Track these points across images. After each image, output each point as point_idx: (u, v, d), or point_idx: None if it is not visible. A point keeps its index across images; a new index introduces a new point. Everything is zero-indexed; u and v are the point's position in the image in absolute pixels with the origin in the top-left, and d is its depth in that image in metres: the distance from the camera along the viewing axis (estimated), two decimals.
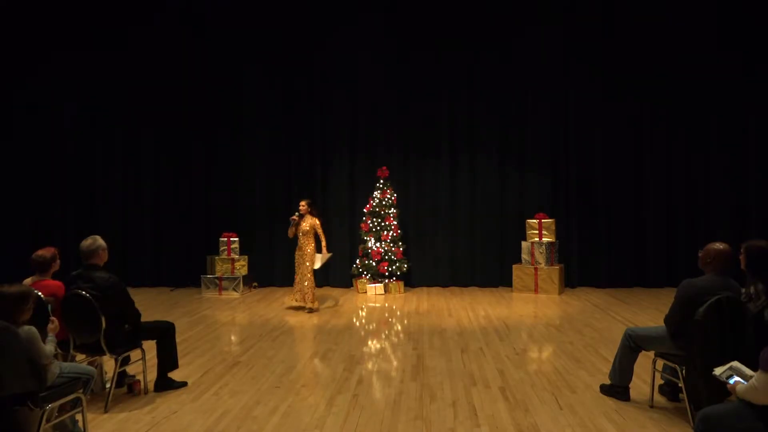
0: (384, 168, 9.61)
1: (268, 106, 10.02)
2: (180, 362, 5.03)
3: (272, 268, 9.97)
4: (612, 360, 4.60)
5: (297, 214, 7.84)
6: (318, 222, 7.82)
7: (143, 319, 4.74)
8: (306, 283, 7.80)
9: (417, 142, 9.92)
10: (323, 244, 7.89)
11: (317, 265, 7.88)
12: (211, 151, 10.09)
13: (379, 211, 9.39)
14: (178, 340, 5.02)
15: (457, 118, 9.88)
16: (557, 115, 9.76)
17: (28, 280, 4.38)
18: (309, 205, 7.83)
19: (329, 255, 8.05)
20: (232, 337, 6.59)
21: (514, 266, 9.32)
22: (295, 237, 7.93)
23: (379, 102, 9.88)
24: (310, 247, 7.79)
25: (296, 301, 7.98)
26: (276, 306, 8.35)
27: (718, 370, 3.07)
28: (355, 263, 9.47)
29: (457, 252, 9.86)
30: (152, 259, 10.11)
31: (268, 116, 10.01)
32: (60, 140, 10.13)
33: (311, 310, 7.82)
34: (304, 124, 10.00)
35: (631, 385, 4.49)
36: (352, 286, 9.68)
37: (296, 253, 7.95)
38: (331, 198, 10.01)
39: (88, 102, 10.09)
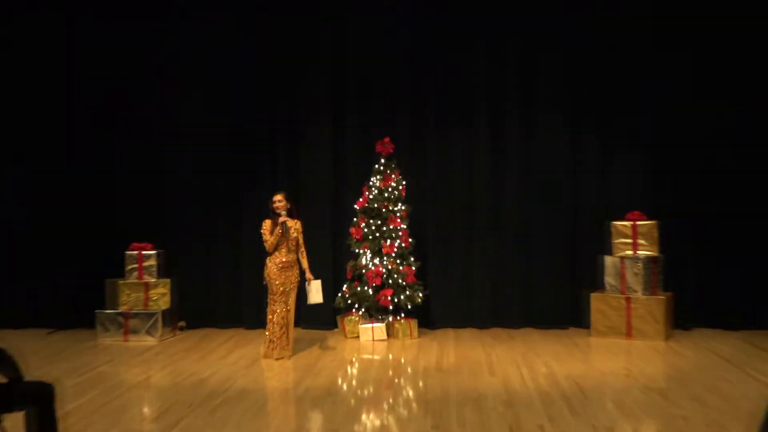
0: (387, 140, 9.47)
1: (195, 40, 9.87)
2: None
3: (209, 299, 9.91)
4: None
5: (281, 215, 7.96)
6: (300, 226, 8.29)
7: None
8: (290, 322, 8.20)
9: (438, 101, 9.88)
10: (305, 263, 8.17)
11: (318, 299, 8.34)
12: (109, 128, 9.98)
13: (379, 209, 9.26)
14: (60, 412, 4.81)
15: (504, 64, 9.78)
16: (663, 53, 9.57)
17: None
18: (287, 199, 8.12)
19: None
20: (145, 409, 6.54)
21: (592, 295, 9.24)
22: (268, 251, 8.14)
23: (379, 42, 9.80)
24: (299, 265, 8.24)
25: (276, 351, 8.06)
26: (215, 358, 8.29)
27: None
28: (341, 291, 9.35)
29: (501, 273, 9.76)
30: (19, 287, 10.02)
31: (197, 58, 9.89)
32: None
33: (280, 358, 8.19)
34: (255, 75, 9.94)
35: None
36: (336, 326, 9.58)
37: (280, 273, 8.00)
38: (303, 189, 9.92)
39: None
